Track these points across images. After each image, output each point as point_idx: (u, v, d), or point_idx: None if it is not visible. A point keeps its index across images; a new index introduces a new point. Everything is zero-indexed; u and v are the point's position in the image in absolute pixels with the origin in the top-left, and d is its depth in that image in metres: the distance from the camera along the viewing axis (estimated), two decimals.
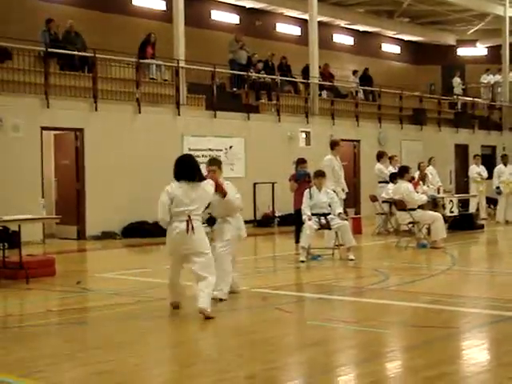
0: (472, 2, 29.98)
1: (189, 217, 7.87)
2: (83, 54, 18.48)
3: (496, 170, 21.97)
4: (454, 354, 6.43)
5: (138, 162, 18.18)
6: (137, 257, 15.61)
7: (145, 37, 20.32)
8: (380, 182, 18.15)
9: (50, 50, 17.48)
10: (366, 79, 27.69)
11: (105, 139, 17.69)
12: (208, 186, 8.19)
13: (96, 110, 17.60)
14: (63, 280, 11.00)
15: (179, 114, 19.40)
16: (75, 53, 18.27)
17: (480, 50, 35.94)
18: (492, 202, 22.82)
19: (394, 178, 16.38)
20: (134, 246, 16.48)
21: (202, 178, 8.12)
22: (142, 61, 19.40)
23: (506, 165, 22.04)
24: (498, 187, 21.64)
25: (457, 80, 32.21)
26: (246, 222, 20.42)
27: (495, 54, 33.45)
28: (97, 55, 17.96)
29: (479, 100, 32.05)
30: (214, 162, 9.04)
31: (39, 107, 16.76)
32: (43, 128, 16.93)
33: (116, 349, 6.66)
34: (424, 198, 14.86)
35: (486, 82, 33.28)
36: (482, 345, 6.82)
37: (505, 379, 5.46)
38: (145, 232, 17.57)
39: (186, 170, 8.03)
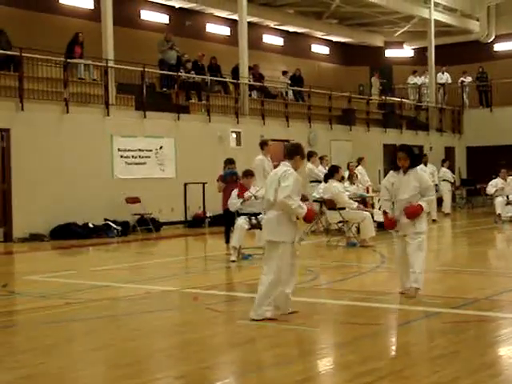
0: (398, 4, 30.45)
1: None
2: (8, 52, 18.09)
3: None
4: (383, 350, 6.52)
5: (66, 162, 17.90)
6: (65, 259, 15.35)
7: (72, 36, 20.02)
8: (311, 182, 18.29)
9: None
10: (296, 80, 27.86)
11: (32, 139, 17.34)
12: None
13: (22, 109, 17.23)
14: None
15: (108, 115, 19.15)
16: None
17: (407, 51, 36.60)
18: None
19: (327, 178, 16.51)
20: (63, 248, 16.21)
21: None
22: (69, 60, 19.10)
23: (426, 164, 22.44)
24: None
25: (376, 80, 32.52)
26: (177, 222, 20.63)
27: (421, 55, 34.10)
28: (23, 54, 17.59)
29: (406, 101, 32.58)
30: None
31: None
32: None
33: (44, 352, 6.52)
34: (353, 206, 15.04)
35: (412, 83, 33.87)
36: (410, 340, 6.92)
37: (431, 373, 5.55)
38: (73, 233, 17.35)
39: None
